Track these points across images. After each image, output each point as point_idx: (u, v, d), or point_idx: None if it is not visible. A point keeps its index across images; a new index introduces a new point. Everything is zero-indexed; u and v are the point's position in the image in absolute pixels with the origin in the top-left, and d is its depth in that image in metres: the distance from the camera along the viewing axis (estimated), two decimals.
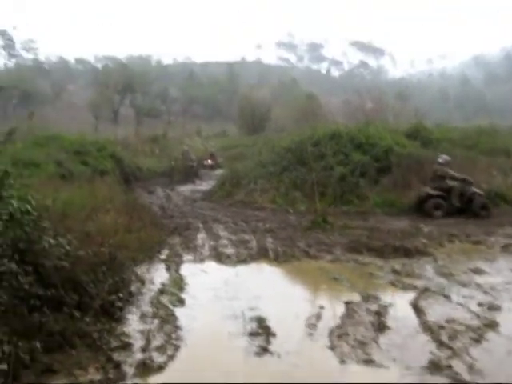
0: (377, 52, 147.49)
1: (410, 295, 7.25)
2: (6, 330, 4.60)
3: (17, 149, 12.47)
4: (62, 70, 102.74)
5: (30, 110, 44.72)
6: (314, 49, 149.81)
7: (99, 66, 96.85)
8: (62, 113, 70.25)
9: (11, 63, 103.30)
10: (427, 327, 5.97)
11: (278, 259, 9.49)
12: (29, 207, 5.54)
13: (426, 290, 7.46)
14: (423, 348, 5.44)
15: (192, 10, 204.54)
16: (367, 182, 15.57)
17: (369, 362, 5.14)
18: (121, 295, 6.56)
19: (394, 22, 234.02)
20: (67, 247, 6.09)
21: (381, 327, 5.98)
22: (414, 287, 7.62)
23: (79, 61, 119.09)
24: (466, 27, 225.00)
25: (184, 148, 31.74)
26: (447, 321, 6.13)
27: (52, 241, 5.89)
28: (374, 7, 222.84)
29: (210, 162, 32.40)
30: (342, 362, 5.15)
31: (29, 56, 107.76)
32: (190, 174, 28.41)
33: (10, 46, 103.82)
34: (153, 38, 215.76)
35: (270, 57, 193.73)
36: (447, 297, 7.14)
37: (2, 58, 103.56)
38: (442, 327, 5.94)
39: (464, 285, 7.71)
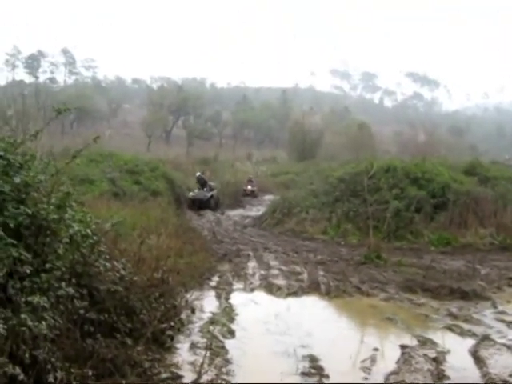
0: (431, 83, 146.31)
1: (469, 342, 6.90)
2: (59, 355, 4.54)
3: (74, 165, 12.61)
4: (119, 88, 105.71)
5: (87, 130, 45.78)
6: (368, 78, 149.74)
7: (154, 86, 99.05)
8: (117, 130, 71.95)
9: (71, 80, 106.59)
10: (490, 380, 5.64)
11: (329, 294, 9.29)
12: (89, 231, 5.52)
13: (485, 337, 7.08)
14: None
15: (248, 35, 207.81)
16: (422, 218, 15.24)
17: None
18: (172, 323, 6.47)
19: (451, 53, 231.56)
20: (122, 272, 6.05)
21: (439, 377, 5.68)
22: (473, 334, 7.25)
23: (135, 81, 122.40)
24: None
25: (249, 176, 32.48)
26: (511, 375, 5.78)
27: (108, 264, 5.86)
28: (432, 38, 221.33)
29: (249, 187, 31.43)
30: None
31: (88, 74, 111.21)
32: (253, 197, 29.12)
33: (70, 63, 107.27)
34: (208, 62, 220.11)
35: (324, 84, 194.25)
36: (509, 347, 6.76)
37: (63, 75, 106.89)
38: (505, 382, 5.59)
39: None
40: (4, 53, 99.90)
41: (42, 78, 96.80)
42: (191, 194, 25.62)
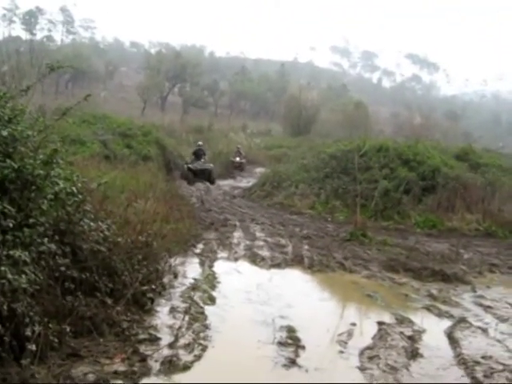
0: (431, 66, 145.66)
1: (446, 323, 6.99)
2: (38, 310, 4.57)
3: (66, 125, 12.60)
4: (117, 51, 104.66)
5: (82, 90, 45.34)
6: (368, 57, 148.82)
7: (152, 51, 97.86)
8: (112, 93, 71.35)
9: (68, 39, 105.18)
10: (462, 361, 5.72)
11: (312, 268, 9.36)
12: (74, 189, 5.51)
13: (462, 320, 7.17)
14: (456, 383, 5.22)
15: (250, 7, 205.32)
16: (410, 200, 15.27)
17: None
18: (153, 286, 6.52)
19: (453, 38, 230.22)
20: (106, 232, 6.07)
21: (413, 354, 5.76)
22: (450, 315, 7.33)
23: (134, 44, 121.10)
24: None
25: (237, 146, 30.71)
26: (483, 357, 5.84)
27: (92, 224, 5.88)
28: (434, 22, 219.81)
29: (237, 159, 29.45)
30: None
31: (86, 34, 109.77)
32: (240, 170, 27.97)
33: (69, 22, 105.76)
34: (208, 30, 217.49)
35: (323, 60, 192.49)
36: (484, 330, 6.85)
37: (60, 33, 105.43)
38: (477, 363, 5.66)
39: (503, 320, 7.38)
40: (1, 7, 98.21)
41: (40, 35, 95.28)
42: (190, 164, 23.87)
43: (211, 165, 24.33)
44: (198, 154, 24.65)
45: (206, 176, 23.35)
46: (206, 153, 25.71)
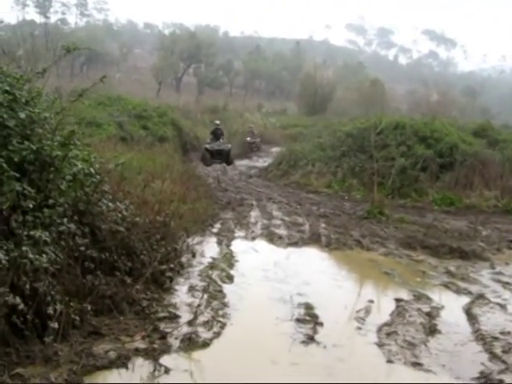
0: (448, 43, 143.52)
1: (464, 300, 6.99)
2: (59, 289, 4.65)
3: (82, 107, 12.72)
4: (131, 33, 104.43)
5: (97, 73, 45.36)
6: (384, 34, 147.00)
7: (166, 32, 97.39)
8: (127, 75, 71.36)
9: (82, 22, 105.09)
10: (480, 336, 5.73)
11: (329, 246, 9.37)
12: (92, 170, 5.57)
13: (480, 296, 7.17)
14: (474, 358, 5.22)
15: None
16: (428, 177, 15.17)
17: (416, 364, 4.97)
18: (172, 266, 6.58)
19: (470, 13, 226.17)
20: (124, 212, 6.13)
21: (431, 330, 5.78)
22: (469, 292, 7.33)
23: (147, 25, 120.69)
24: None
25: (249, 126, 29.95)
26: (502, 332, 5.84)
27: (111, 204, 5.94)
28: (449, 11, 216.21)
29: (248, 139, 28.72)
30: (389, 361, 5.00)
31: (99, 17, 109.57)
32: (251, 150, 27.33)
33: (82, 5, 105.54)
34: (222, 9, 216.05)
35: (338, 38, 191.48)
36: (503, 306, 6.84)
37: (74, 16, 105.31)
38: (495, 338, 5.67)
39: None
40: None
41: (53, 18, 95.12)
42: (208, 144, 23.23)
43: (229, 145, 23.77)
44: (216, 134, 24.03)
45: (223, 157, 22.83)
46: (224, 132, 25.02)
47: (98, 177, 5.65)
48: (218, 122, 25.47)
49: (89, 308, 4.83)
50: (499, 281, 8.05)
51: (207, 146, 23.14)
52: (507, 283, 7.94)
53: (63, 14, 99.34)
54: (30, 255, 4.28)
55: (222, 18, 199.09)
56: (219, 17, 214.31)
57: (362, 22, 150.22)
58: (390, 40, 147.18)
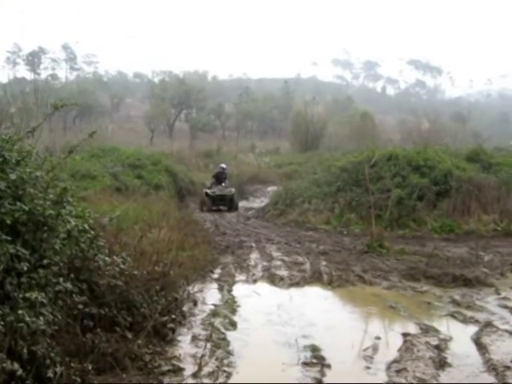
0: (434, 71, 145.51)
1: (472, 329, 6.87)
2: (59, 351, 4.54)
3: (76, 161, 12.85)
4: (121, 83, 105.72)
5: (89, 125, 45.76)
6: (370, 67, 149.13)
7: (156, 80, 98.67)
8: (120, 125, 71.97)
9: (72, 76, 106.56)
10: (491, 367, 5.61)
11: (332, 284, 9.27)
12: (86, 226, 5.52)
13: (488, 324, 7.06)
14: None
15: (248, 26, 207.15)
16: (425, 206, 15.22)
17: None
18: (173, 316, 6.48)
19: (454, 40, 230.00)
20: (122, 265, 6.05)
21: (441, 364, 5.64)
22: (476, 321, 7.22)
23: (137, 75, 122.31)
24: None
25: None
26: None
27: (107, 259, 5.86)
28: (433, 25, 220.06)
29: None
30: None
31: (89, 69, 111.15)
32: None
33: (71, 59, 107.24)
34: (209, 54, 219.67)
35: (326, 74, 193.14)
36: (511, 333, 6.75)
37: (64, 71, 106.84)
38: (507, 368, 5.55)
39: None
40: (5, 51, 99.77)
41: (44, 74, 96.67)
42: (210, 189, 21.77)
43: (232, 189, 22.60)
44: (219, 178, 22.62)
45: (226, 202, 21.65)
46: (228, 177, 23.68)
47: (92, 232, 5.59)
48: (224, 165, 23.95)
49: (90, 367, 4.70)
50: (506, 306, 7.96)
51: (208, 190, 21.90)
52: None
53: (53, 69, 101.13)
54: (27, 318, 4.19)
55: (209, 62, 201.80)
56: (207, 61, 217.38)
57: (347, 57, 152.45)
58: (377, 72, 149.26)
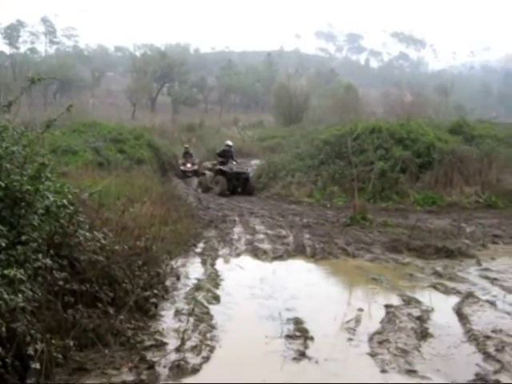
0: (417, 43, 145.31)
1: (453, 300, 6.95)
2: (40, 327, 4.49)
3: (57, 136, 12.67)
4: (102, 57, 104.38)
5: (70, 99, 45.14)
6: (354, 39, 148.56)
7: (138, 53, 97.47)
8: (101, 99, 71.20)
9: (52, 50, 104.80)
10: (472, 337, 5.67)
11: (315, 256, 9.30)
12: (65, 201, 5.43)
13: (469, 295, 7.13)
14: (469, 360, 5.15)
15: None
16: (408, 179, 15.31)
17: (411, 372, 4.88)
18: (156, 291, 6.44)
19: (437, 12, 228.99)
20: (103, 241, 5.97)
21: (423, 335, 5.70)
22: (457, 292, 7.30)
23: (118, 48, 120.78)
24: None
25: (185, 146, 25.87)
26: (494, 331, 5.79)
27: (88, 234, 5.78)
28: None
29: (189, 165, 24.97)
30: (383, 371, 4.90)
31: (69, 43, 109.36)
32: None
33: (51, 32, 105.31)
34: (191, 27, 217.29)
35: (309, 47, 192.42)
36: (492, 303, 6.80)
37: (44, 44, 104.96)
38: (488, 337, 5.61)
39: (510, 291, 7.36)
40: None
41: (23, 48, 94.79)
42: (223, 166, 18.95)
43: (249, 169, 20.49)
44: (225, 156, 19.71)
45: (240, 183, 18.75)
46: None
47: (71, 207, 5.50)
48: (230, 142, 20.98)
49: (71, 344, 4.66)
50: (487, 277, 8.06)
51: (223, 167, 18.95)
52: (495, 279, 7.96)
53: (32, 43, 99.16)
54: (5, 295, 4.12)
55: (192, 35, 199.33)
56: (189, 34, 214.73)
57: (331, 29, 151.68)
58: (360, 45, 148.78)
